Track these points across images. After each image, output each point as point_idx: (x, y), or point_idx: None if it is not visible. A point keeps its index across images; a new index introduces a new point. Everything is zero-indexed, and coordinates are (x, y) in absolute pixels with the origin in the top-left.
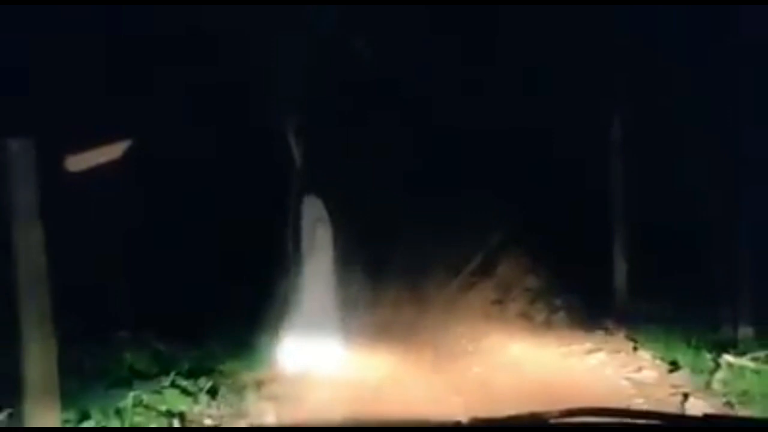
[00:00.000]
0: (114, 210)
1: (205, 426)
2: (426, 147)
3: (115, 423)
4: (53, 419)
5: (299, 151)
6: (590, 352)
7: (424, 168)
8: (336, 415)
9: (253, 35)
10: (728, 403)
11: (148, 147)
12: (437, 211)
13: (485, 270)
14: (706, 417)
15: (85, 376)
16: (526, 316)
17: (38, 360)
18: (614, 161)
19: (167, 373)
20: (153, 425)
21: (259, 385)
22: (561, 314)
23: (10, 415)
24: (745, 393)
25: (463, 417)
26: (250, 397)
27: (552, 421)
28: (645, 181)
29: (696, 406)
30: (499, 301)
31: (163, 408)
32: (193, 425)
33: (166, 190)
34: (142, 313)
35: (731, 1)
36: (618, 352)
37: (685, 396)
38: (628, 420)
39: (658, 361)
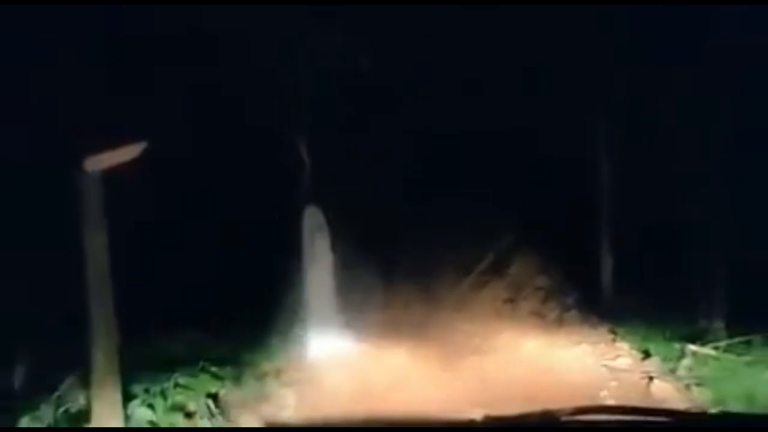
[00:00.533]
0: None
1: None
2: (435, 150)
3: (159, 401)
4: (116, 396)
5: (311, 157)
6: (576, 343)
7: (435, 171)
8: (349, 401)
9: (256, 42)
10: (687, 386)
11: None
12: (445, 213)
13: (491, 270)
14: (718, 414)
15: (130, 361)
16: (519, 311)
17: (103, 346)
18: (602, 165)
19: (198, 361)
20: (192, 404)
21: (277, 373)
22: (554, 310)
23: (59, 398)
24: (703, 377)
25: (476, 415)
26: (271, 384)
27: (564, 418)
28: (630, 184)
29: (660, 388)
30: (511, 300)
31: (198, 390)
32: (225, 405)
33: (192, 197)
34: (176, 309)
35: (732, 2)
36: (599, 343)
37: (651, 379)
38: (639, 417)
39: (633, 351)
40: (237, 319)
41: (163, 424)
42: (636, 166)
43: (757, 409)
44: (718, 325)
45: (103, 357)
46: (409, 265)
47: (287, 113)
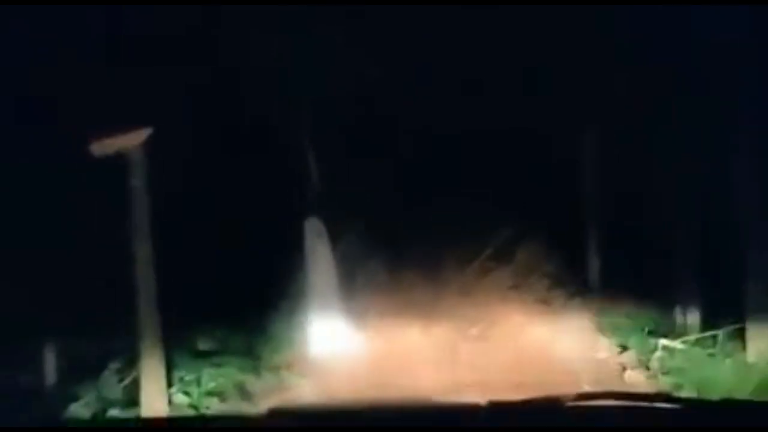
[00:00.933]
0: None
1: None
2: (435, 150)
3: (194, 388)
4: (161, 382)
5: (313, 156)
6: (562, 337)
7: (435, 171)
8: (358, 387)
9: (258, 43)
10: (654, 375)
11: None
12: (445, 212)
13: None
14: (724, 401)
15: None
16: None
17: (150, 337)
18: (593, 165)
19: (220, 354)
20: (224, 391)
21: (290, 364)
22: (558, 298)
23: (101, 385)
24: (670, 367)
25: (481, 400)
26: (286, 374)
27: (568, 404)
28: (620, 184)
29: (632, 377)
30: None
31: (227, 378)
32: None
33: (197, 198)
34: (196, 305)
35: (735, 2)
36: (583, 337)
37: (624, 369)
38: (643, 404)
39: (613, 345)
40: (248, 314)
41: (201, 408)
42: (626, 167)
43: (711, 394)
44: (693, 321)
45: (150, 346)
46: (413, 257)
47: (288, 112)
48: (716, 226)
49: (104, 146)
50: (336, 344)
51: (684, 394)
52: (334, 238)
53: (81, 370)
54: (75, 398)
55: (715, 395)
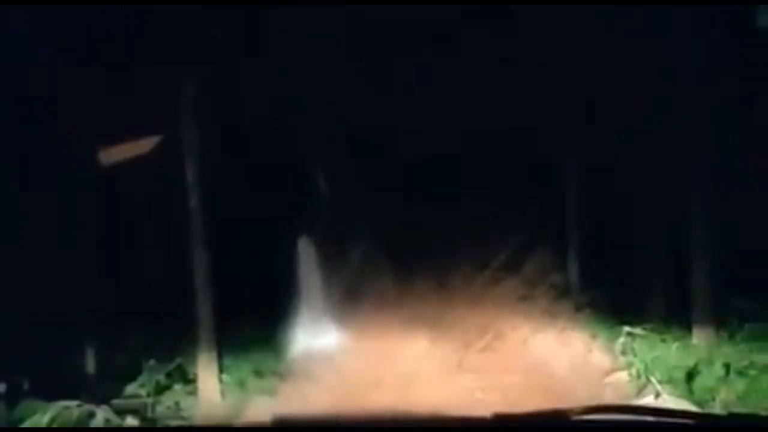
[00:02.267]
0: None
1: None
2: (437, 152)
3: (234, 371)
4: (214, 365)
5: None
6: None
7: (438, 174)
8: (366, 393)
9: (259, 44)
10: (615, 357)
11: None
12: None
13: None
14: (731, 415)
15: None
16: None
17: (206, 329)
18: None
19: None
20: (262, 371)
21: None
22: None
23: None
24: (628, 350)
25: (486, 413)
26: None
27: (574, 417)
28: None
29: (598, 358)
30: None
31: (257, 365)
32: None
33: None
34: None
35: (728, 2)
36: (560, 330)
37: (590, 351)
38: (649, 417)
39: (584, 335)
40: (268, 318)
41: (246, 385)
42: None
43: (657, 369)
44: (659, 313)
45: (205, 339)
46: (421, 264)
47: (287, 111)
48: (678, 234)
49: (112, 154)
50: (343, 343)
51: (634, 370)
52: (344, 251)
53: (137, 358)
54: (132, 379)
55: (660, 370)
